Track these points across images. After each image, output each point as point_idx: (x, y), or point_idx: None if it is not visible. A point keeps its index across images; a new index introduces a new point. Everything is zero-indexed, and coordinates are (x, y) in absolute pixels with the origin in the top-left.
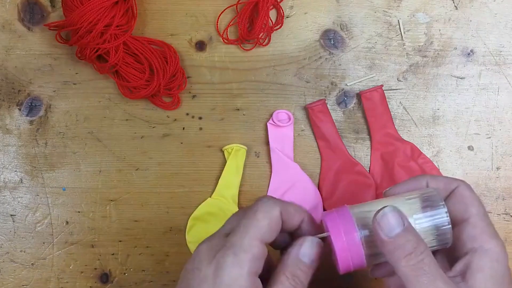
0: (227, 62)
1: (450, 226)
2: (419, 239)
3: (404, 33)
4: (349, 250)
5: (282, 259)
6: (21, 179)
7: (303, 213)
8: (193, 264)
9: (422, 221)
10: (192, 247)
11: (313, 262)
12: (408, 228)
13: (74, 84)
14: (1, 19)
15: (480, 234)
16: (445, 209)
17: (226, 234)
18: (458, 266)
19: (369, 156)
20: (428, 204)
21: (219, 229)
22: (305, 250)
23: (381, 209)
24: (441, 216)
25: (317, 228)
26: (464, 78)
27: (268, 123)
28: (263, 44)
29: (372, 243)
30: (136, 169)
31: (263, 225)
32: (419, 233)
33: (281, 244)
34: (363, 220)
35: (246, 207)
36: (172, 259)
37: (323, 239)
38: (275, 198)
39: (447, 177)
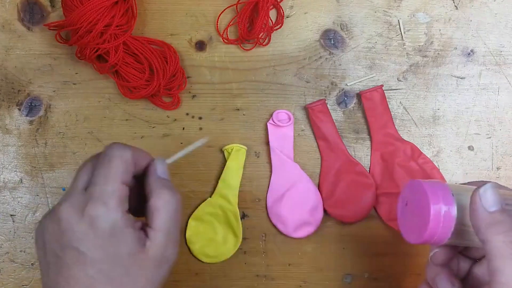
0: (227, 62)
1: None
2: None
3: (404, 33)
4: (442, 221)
5: (150, 185)
6: (21, 179)
7: (148, 156)
8: (59, 227)
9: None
10: (192, 247)
11: (169, 176)
12: (505, 208)
13: (74, 84)
14: (1, 19)
15: None
16: None
17: (84, 188)
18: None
19: (369, 156)
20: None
21: (72, 185)
22: (161, 170)
23: (483, 184)
24: None
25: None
26: (464, 78)
27: (268, 123)
28: (263, 44)
29: (460, 224)
30: None
31: (121, 169)
32: None
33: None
34: (458, 198)
35: (96, 154)
36: None
37: None
38: (125, 144)
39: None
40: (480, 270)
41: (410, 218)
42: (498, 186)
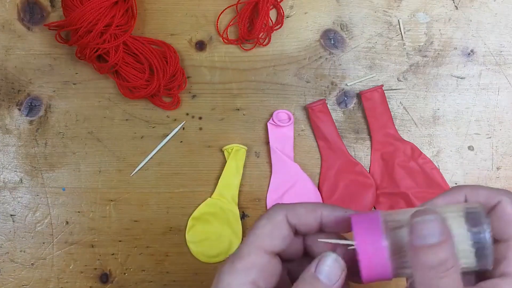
0: (227, 62)
1: (491, 250)
2: (453, 254)
3: (404, 33)
4: (373, 259)
5: (302, 274)
6: (21, 179)
7: (317, 210)
8: None
9: (462, 239)
10: (192, 247)
11: (332, 282)
12: (446, 241)
13: (74, 84)
14: (1, 19)
15: None
16: (489, 230)
17: None
18: (484, 286)
19: (369, 156)
20: (471, 221)
21: None
22: (324, 268)
23: (421, 212)
24: (483, 237)
25: (344, 224)
26: (464, 78)
27: (268, 123)
28: (263, 44)
29: (402, 253)
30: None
31: (264, 232)
32: (457, 251)
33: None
34: (396, 227)
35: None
36: (172, 259)
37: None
38: (284, 203)
39: (488, 188)
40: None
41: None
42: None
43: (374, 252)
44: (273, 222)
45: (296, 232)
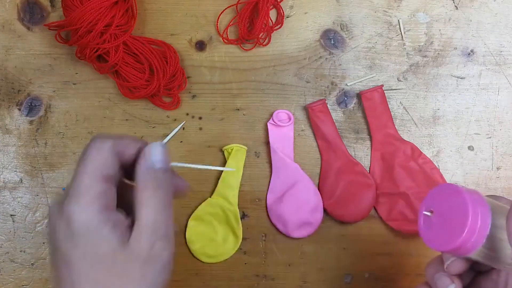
0: (227, 62)
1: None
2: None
3: (404, 33)
4: (476, 233)
5: (136, 176)
6: (21, 179)
7: (139, 142)
8: (49, 226)
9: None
10: (192, 247)
11: (167, 164)
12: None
13: (74, 84)
14: (1, 19)
15: None
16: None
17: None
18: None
19: (369, 156)
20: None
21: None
22: (156, 157)
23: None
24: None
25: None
26: (464, 78)
27: (268, 123)
28: (263, 44)
29: (490, 239)
30: None
31: (97, 162)
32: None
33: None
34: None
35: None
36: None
37: None
38: (106, 134)
39: None
40: (487, 282)
41: (438, 223)
42: None
43: (480, 226)
44: (103, 151)
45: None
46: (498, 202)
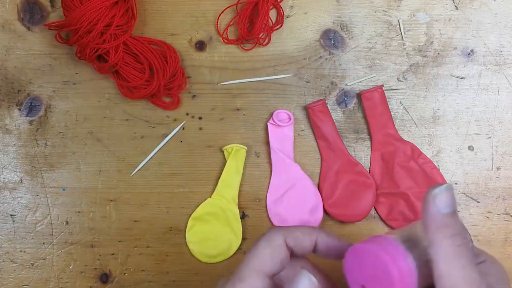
0: (227, 62)
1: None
2: (464, 226)
3: (404, 33)
4: (406, 276)
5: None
6: (21, 179)
7: (313, 234)
8: None
9: None
10: (192, 247)
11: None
12: (456, 213)
13: (74, 84)
14: (1, 19)
15: None
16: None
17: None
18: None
19: (369, 156)
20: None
21: None
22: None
23: (437, 186)
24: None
25: (337, 247)
26: (464, 78)
27: (268, 123)
28: (263, 44)
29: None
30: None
31: (263, 255)
32: None
33: None
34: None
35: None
36: (172, 259)
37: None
38: (282, 226)
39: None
40: None
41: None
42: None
43: (406, 269)
44: (273, 245)
45: (291, 254)
46: (403, 228)
